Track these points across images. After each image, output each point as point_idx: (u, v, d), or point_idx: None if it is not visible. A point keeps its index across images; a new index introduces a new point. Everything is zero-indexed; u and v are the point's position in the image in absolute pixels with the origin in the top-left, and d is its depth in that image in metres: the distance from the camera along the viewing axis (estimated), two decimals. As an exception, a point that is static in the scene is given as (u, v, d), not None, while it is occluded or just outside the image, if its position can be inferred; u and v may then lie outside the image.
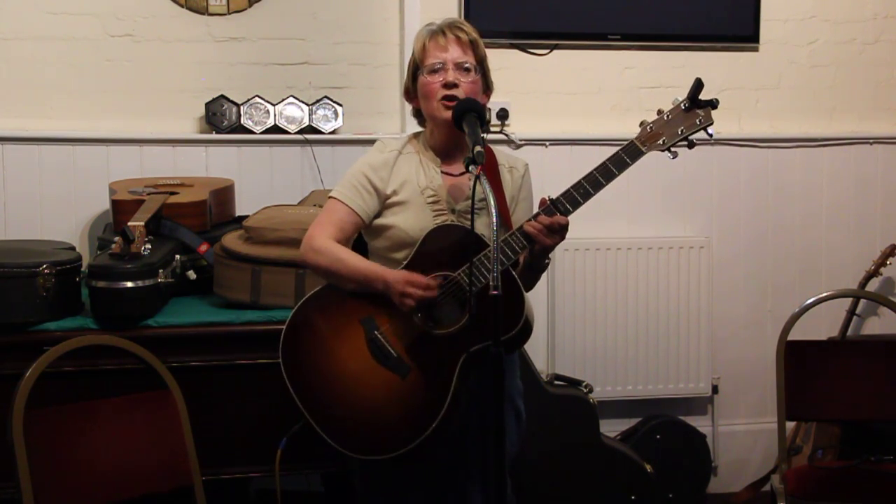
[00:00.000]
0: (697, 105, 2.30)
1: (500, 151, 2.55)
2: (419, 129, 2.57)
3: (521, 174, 2.52)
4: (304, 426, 2.37)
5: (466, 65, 2.39)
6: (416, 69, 2.44)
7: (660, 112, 2.32)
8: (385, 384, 2.32)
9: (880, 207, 4.23)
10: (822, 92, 4.18)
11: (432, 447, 2.31)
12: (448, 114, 2.34)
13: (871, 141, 4.20)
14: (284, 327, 2.41)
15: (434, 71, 2.38)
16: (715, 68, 4.03)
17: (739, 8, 4.02)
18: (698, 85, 2.28)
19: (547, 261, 2.37)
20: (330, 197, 2.45)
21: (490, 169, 2.42)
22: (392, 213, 2.42)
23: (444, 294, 2.30)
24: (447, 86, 2.36)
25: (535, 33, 3.91)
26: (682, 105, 2.31)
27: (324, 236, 2.39)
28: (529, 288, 2.44)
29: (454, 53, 2.39)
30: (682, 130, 2.31)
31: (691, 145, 2.33)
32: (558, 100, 3.97)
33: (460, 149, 2.40)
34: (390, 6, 3.81)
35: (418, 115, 2.52)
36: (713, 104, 2.31)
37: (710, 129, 2.33)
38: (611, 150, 2.31)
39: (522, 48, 3.93)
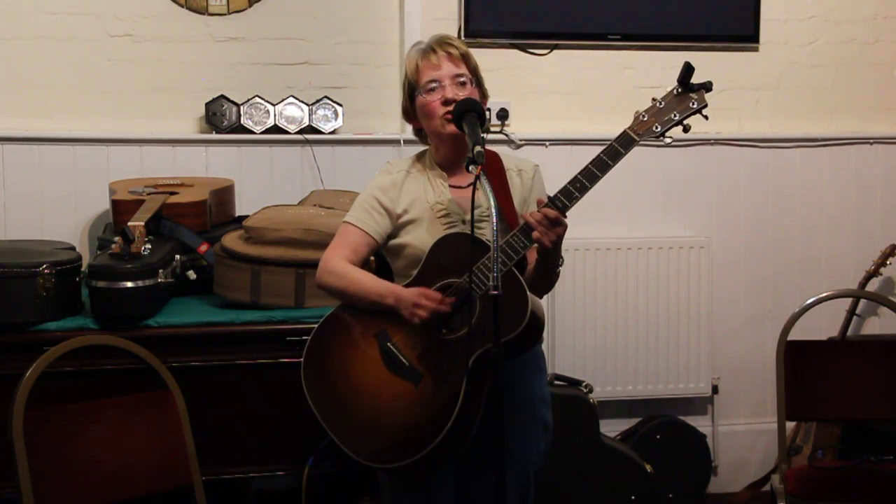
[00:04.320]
0: (690, 89, 2.29)
1: (508, 156, 2.55)
2: (421, 147, 2.59)
3: (530, 176, 2.52)
4: (330, 442, 2.39)
5: (462, 78, 2.41)
6: (412, 90, 2.46)
7: (653, 100, 2.30)
8: (399, 393, 2.33)
9: (880, 207, 4.23)
10: (822, 92, 4.18)
11: (455, 451, 2.31)
12: (452, 127, 2.35)
13: (871, 141, 4.20)
14: (304, 350, 2.44)
15: (431, 90, 2.40)
16: (715, 68, 4.02)
17: (739, 8, 4.02)
18: (688, 69, 2.27)
19: (561, 260, 2.36)
20: (343, 221, 2.49)
21: (497, 173, 2.44)
22: (405, 232, 2.45)
23: (457, 306, 2.30)
24: (446, 102, 2.37)
25: (535, 33, 3.91)
26: (674, 91, 2.30)
27: (337, 258, 2.43)
28: (545, 291, 2.45)
29: (448, 69, 2.41)
30: (675, 115, 2.29)
31: (686, 129, 2.31)
32: (558, 100, 3.97)
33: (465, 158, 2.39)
34: (390, 6, 3.81)
35: (419, 134, 2.54)
36: (707, 87, 2.29)
37: (705, 112, 2.30)
38: (611, 151, 2.30)
39: (522, 48, 3.93)
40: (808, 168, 4.16)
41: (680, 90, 2.29)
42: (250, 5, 3.72)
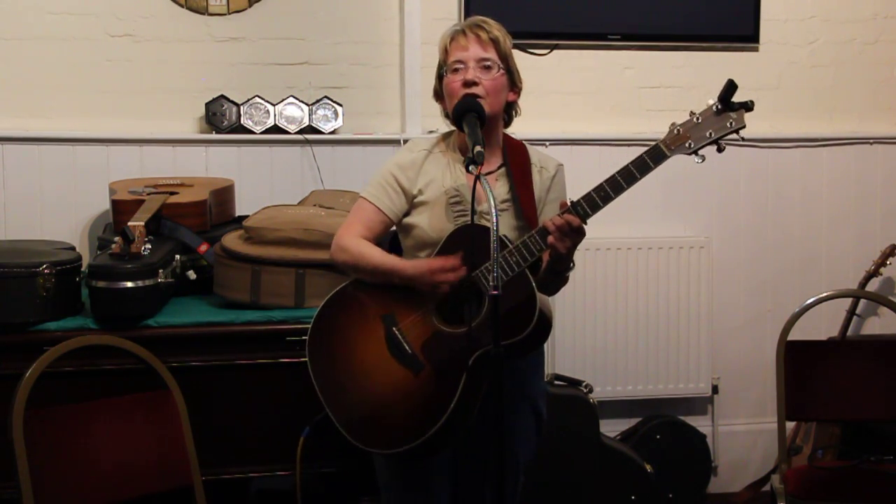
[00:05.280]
0: (730, 107, 2.22)
1: (535, 151, 2.54)
2: (448, 128, 2.56)
3: (550, 175, 2.50)
4: (326, 416, 2.40)
5: (487, 62, 2.38)
6: (440, 69, 2.45)
7: (692, 114, 2.24)
8: (399, 380, 2.33)
9: (880, 207, 4.23)
10: (822, 92, 4.18)
11: (448, 444, 2.32)
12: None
13: (871, 141, 4.20)
14: (312, 321, 2.44)
15: (455, 70, 2.39)
16: (715, 68, 4.03)
17: (739, 8, 4.02)
18: (730, 86, 2.19)
19: (572, 264, 2.35)
20: (360, 196, 2.48)
21: (520, 167, 2.43)
22: (417, 212, 2.44)
23: (467, 282, 2.29)
24: (467, 84, 2.36)
25: (535, 33, 3.91)
26: (714, 107, 2.22)
27: (351, 234, 2.43)
28: (554, 292, 2.44)
29: (475, 51, 2.38)
30: (711, 133, 2.22)
31: (720, 149, 2.24)
32: (558, 100, 3.97)
33: (488, 148, 2.36)
34: (390, 6, 3.81)
35: (448, 116, 2.51)
36: (748, 106, 2.22)
37: (741, 132, 2.23)
38: (611, 150, 2.30)
39: (522, 48, 3.92)
40: (808, 168, 4.16)
41: (720, 107, 2.22)
42: (250, 5, 3.72)
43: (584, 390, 3.69)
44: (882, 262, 3.99)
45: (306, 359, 2.42)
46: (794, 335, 3.16)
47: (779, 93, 4.15)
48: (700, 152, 2.25)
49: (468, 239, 2.31)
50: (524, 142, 2.56)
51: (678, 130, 2.24)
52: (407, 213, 2.46)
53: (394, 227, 2.52)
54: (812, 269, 4.18)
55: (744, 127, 2.23)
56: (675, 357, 3.97)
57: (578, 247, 3.62)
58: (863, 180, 4.21)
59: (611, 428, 3.92)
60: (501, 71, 2.40)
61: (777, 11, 4.09)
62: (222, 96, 3.65)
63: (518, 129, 3.84)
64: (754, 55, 4.10)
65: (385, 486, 2.51)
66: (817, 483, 3.07)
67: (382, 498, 2.54)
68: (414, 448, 2.27)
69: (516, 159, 2.43)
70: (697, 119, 2.24)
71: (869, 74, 4.20)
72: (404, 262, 2.38)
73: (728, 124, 2.22)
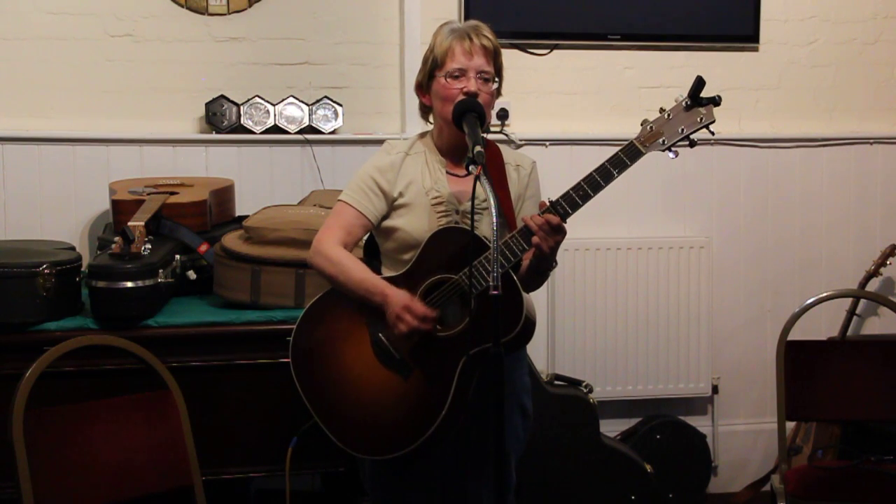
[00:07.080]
0: (699, 103, 2.28)
1: (507, 150, 2.54)
2: (425, 128, 2.56)
3: (527, 172, 2.50)
4: (314, 424, 2.40)
5: (487, 75, 2.38)
6: (433, 67, 2.41)
7: (662, 110, 2.29)
8: (388, 385, 2.33)
9: (880, 207, 4.23)
10: (822, 92, 4.18)
11: (437, 446, 2.32)
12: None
13: (871, 141, 4.20)
14: (295, 326, 2.43)
15: (455, 77, 2.36)
16: (715, 68, 4.03)
17: (739, 8, 4.02)
18: (699, 83, 2.25)
19: (554, 263, 2.36)
20: (339, 200, 2.46)
21: (496, 168, 2.42)
22: (398, 215, 2.43)
23: (444, 304, 2.30)
24: (469, 94, 2.34)
25: (535, 33, 3.91)
26: (683, 103, 2.28)
27: (332, 241, 2.40)
28: (532, 289, 2.43)
29: (478, 62, 2.36)
30: (682, 129, 2.28)
31: (692, 144, 2.30)
32: (558, 100, 3.97)
33: (467, 150, 2.38)
34: (390, 6, 3.81)
35: (425, 110, 2.50)
36: (715, 101, 2.28)
37: (711, 127, 2.30)
38: (611, 151, 2.30)
39: (522, 48, 3.93)
40: (808, 168, 4.16)
41: (689, 103, 2.27)
42: (250, 5, 3.72)
43: (584, 390, 3.69)
44: (882, 262, 3.99)
45: (290, 367, 2.42)
46: (794, 335, 3.16)
47: (779, 93, 4.15)
48: (673, 148, 2.29)
49: (448, 243, 2.31)
50: (521, 141, 2.56)
51: (651, 127, 2.28)
52: (386, 216, 2.44)
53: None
54: (812, 269, 4.18)
55: (713, 122, 2.29)
56: (675, 357, 3.97)
57: (578, 247, 3.63)
58: (863, 180, 4.21)
59: (611, 428, 3.92)
60: (497, 83, 2.41)
61: (777, 11, 4.09)
62: (222, 96, 3.65)
63: (518, 129, 3.89)
64: (754, 55, 4.10)
65: (373, 488, 2.50)
66: (817, 483, 3.07)
67: (364, 481, 2.53)
68: (404, 454, 2.28)
69: (492, 160, 2.42)
70: (668, 115, 2.28)
71: (869, 74, 4.20)
72: (386, 284, 2.34)
73: (698, 119, 2.28)
